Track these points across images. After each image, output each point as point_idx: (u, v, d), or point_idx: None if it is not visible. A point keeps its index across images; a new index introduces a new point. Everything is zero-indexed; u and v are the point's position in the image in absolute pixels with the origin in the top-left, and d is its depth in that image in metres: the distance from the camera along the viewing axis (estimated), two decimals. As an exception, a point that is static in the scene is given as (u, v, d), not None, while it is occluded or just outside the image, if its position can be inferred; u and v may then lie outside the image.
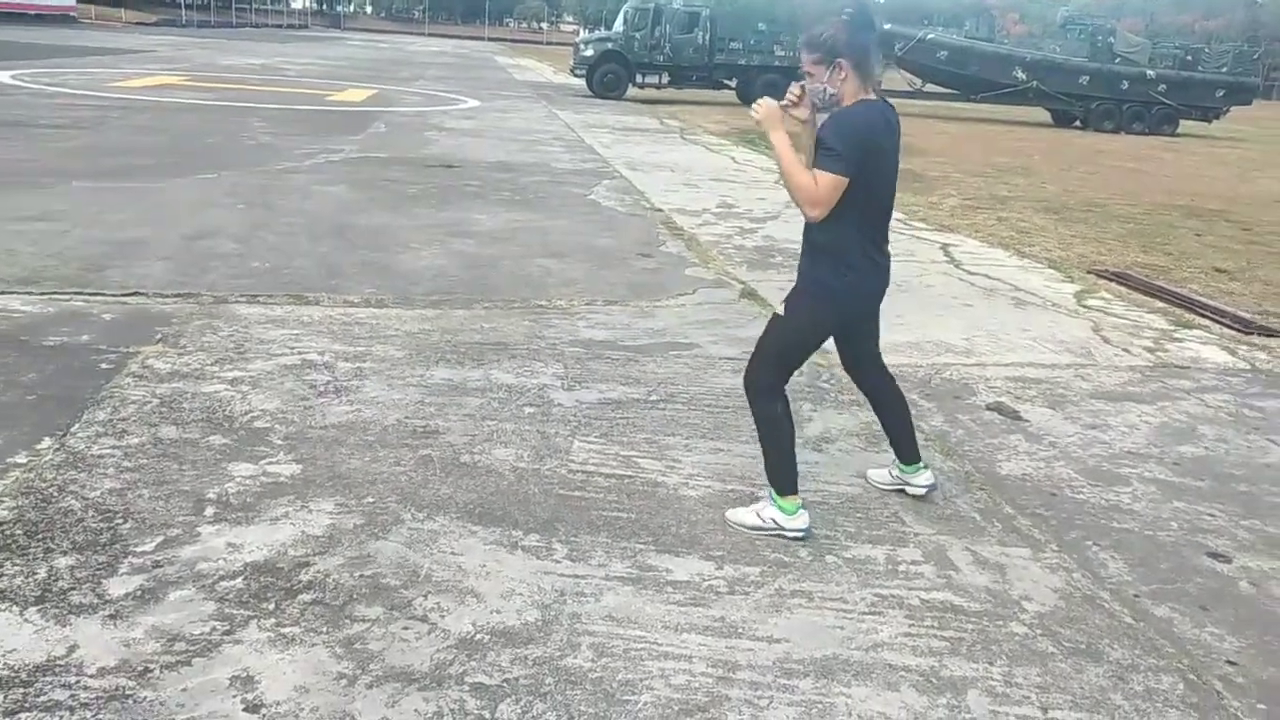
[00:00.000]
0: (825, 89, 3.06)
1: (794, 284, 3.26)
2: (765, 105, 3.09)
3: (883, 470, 3.66)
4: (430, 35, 73.71)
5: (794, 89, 3.11)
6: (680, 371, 4.74)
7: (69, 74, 19.64)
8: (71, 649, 2.39)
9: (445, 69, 34.40)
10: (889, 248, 3.28)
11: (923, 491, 3.54)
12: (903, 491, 3.57)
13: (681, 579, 2.93)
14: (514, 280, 6.26)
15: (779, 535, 3.21)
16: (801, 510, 3.23)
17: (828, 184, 2.97)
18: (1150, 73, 27.62)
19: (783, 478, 3.24)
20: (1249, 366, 5.61)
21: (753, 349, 3.31)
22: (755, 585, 2.93)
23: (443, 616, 2.64)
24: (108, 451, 3.44)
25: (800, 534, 3.20)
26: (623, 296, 6.03)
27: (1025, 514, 3.54)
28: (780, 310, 3.24)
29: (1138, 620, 2.91)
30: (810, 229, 3.14)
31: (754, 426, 3.33)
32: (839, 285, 3.16)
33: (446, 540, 3.03)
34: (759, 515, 3.26)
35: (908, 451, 3.53)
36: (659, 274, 6.73)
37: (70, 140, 10.85)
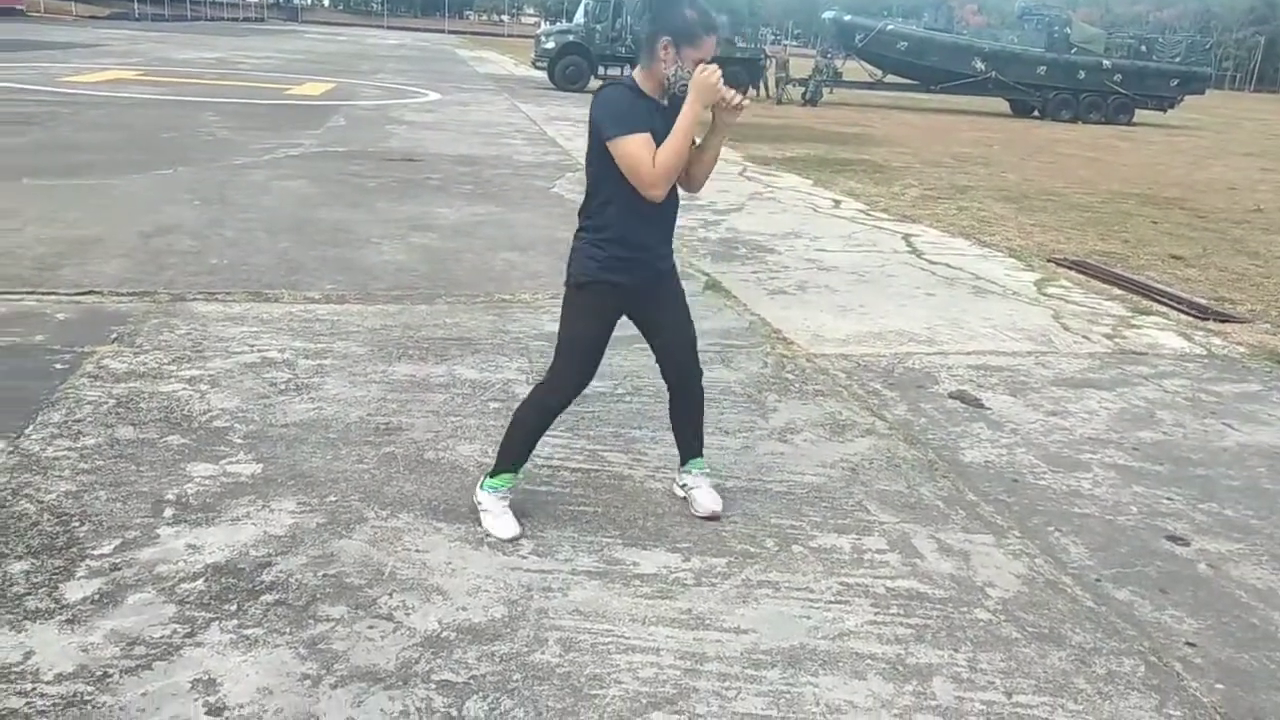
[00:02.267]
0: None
1: (671, 268, 3.21)
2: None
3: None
4: (389, 28, 73.03)
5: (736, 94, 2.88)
6: (646, 364, 4.68)
7: (18, 68, 19.22)
8: (27, 655, 2.34)
9: (405, 62, 34.07)
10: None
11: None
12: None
13: (649, 572, 2.93)
14: (477, 274, 6.22)
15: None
16: None
17: None
18: (1106, 63, 28.01)
19: None
20: (1205, 352, 5.70)
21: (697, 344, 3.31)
22: (722, 576, 2.93)
23: (408, 615, 2.62)
24: (63, 453, 3.38)
25: None
26: (587, 289, 6.00)
27: (988, 501, 3.57)
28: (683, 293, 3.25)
29: (1099, 604, 2.95)
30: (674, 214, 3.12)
31: (695, 417, 3.39)
32: None
33: (411, 538, 3.01)
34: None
35: None
36: (623, 267, 6.70)
37: (20, 136, 10.62)
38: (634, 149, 2.80)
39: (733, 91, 2.83)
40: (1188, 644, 2.78)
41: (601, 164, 2.90)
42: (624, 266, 3.02)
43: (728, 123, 2.93)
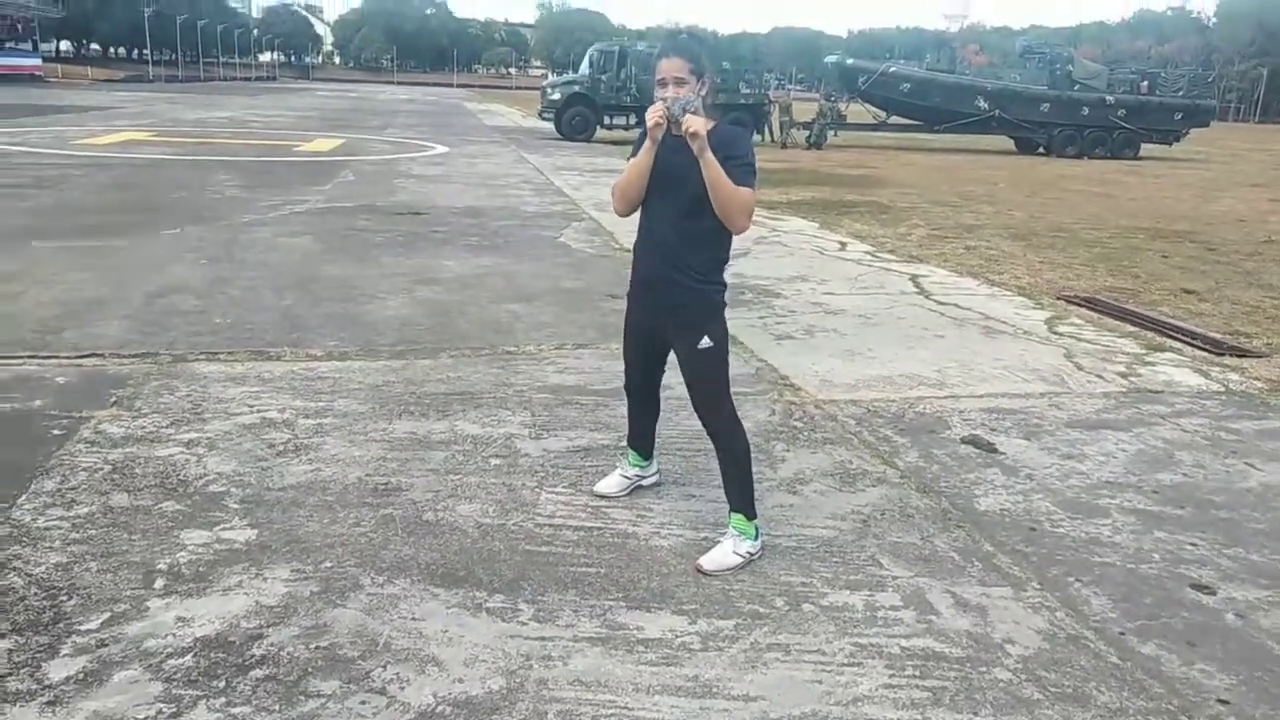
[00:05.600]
0: (692, 100, 2.99)
1: (691, 310, 3.20)
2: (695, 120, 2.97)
3: (614, 476, 3.78)
4: (399, 84, 74.08)
5: (661, 110, 2.98)
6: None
7: (32, 133, 19.51)
8: (5, 741, 2.25)
9: (414, 116, 34.48)
10: None
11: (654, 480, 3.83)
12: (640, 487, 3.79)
13: (653, 636, 2.82)
14: (481, 326, 6.17)
15: (750, 566, 3.23)
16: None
17: (753, 198, 3.07)
18: (1109, 98, 28.09)
19: (752, 501, 3.30)
20: (1222, 388, 5.58)
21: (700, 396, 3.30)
22: (730, 640, 2.82)
23: (402, 688, 2.52)
24: (55, 523, 3.31)
25: (761, 548, 3.30)
26: (592, 339, 5.95)
27: (1005, 551, 3.46)
28: (707, 343, 3.20)
29: (1124, 660, 2.82)
30: (714, 247, 3.17)
31: (721, 468, 3.36)
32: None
33: (407, 605, 2.91)
34: (736, 553, 3.23)
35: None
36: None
37: (30, 200, 10.71)
38: None
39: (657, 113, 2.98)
40: (1220, 701, 2.65)
41: None
42: (633, 289, 3.38)
43: (696, 150, 2.96)
